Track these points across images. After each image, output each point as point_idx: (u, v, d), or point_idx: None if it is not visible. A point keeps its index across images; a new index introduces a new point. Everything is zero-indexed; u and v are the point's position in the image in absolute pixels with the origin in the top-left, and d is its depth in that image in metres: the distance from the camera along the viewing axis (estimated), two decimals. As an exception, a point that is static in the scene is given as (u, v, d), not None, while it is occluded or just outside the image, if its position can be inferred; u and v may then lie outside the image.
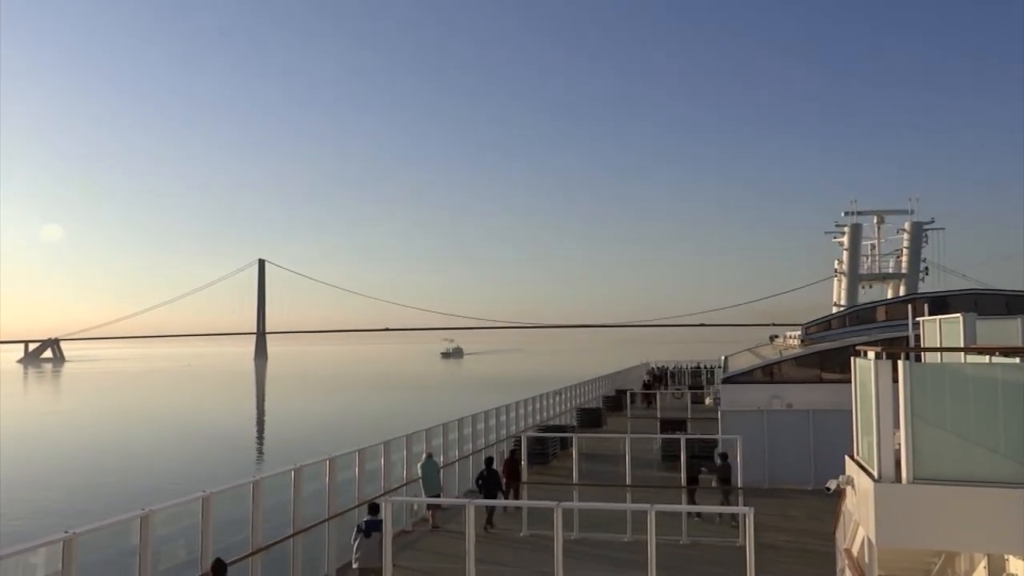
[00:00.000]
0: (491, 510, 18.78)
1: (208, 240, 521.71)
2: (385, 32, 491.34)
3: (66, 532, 9.27)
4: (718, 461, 20.15)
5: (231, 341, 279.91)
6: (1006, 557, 8.97)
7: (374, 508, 13.85)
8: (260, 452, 53.62)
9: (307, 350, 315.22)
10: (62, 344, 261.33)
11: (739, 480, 18.09)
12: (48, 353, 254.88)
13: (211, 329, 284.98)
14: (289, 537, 14.04)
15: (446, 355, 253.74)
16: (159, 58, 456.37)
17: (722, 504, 19.03)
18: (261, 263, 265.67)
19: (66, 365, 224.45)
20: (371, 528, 13.36)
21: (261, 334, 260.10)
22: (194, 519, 11.83)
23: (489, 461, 20.96)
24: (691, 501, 19.00)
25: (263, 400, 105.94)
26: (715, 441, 24.50)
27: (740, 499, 17.38)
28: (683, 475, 19.05)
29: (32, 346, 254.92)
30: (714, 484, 19.87)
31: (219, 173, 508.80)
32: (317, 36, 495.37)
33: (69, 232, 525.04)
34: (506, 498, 20.01)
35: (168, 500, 11.70)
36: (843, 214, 63.00)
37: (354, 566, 13.49)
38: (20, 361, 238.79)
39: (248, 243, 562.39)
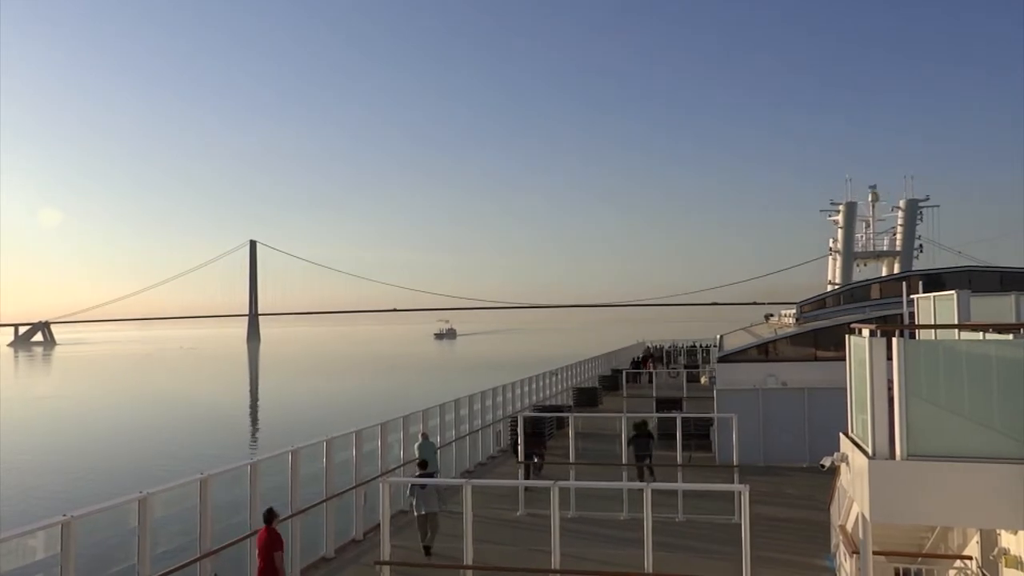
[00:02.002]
0: (531, 464, 21.06)
1: (200, 222, 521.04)
2: (389, 7, 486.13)
3: (64, 515, 9.28)
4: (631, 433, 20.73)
5: (223, 323, 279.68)
6: (998, 532, 9.07)
7: (423, 464, 16.68)
8: (256, 434, 53.72)
9: (299, 331, 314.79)
10: (52, 327, 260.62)
11: (735, 458, 18.19)
12: (39, 336, 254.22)
13: (203, 311, 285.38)
14: (288, 518, 14.07)
15: (439, 336, 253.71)
16: (157, 38, 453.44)
17: (640, 479, 19.55)
18: (252, 244, 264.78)
19: (57, 348, 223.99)
20: None
21: (254, 316, 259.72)
22: (192, 502, 11.85)
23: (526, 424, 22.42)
24: (641, 477, 19.95)
25: (257, 382, 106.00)
26: (711, 419, 24.68)
27: (736, 477, 17.48)
28: (679, 454, 19.16)
29: (22, 329, 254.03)
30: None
31: (210, 153, 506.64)
32: (317, 13, 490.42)
33: (60, 215, 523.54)
34: (538, 463, 21.80)
35: (166, 483, 11.71)
36: (838, 194, 63.03)
37: (414, 514, 15.51)
38: (10, 345, 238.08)
39: (240, 225, 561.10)
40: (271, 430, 52.96)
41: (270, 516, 11.99)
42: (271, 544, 11.64)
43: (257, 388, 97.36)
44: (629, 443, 20.18)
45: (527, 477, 20.77)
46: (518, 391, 31.38)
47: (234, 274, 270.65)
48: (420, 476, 15.92)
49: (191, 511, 11.82)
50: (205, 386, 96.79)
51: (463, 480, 13.80)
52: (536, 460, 21.90)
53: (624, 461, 19.67)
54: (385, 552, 11.69)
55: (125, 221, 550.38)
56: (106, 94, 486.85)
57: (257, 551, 11.82)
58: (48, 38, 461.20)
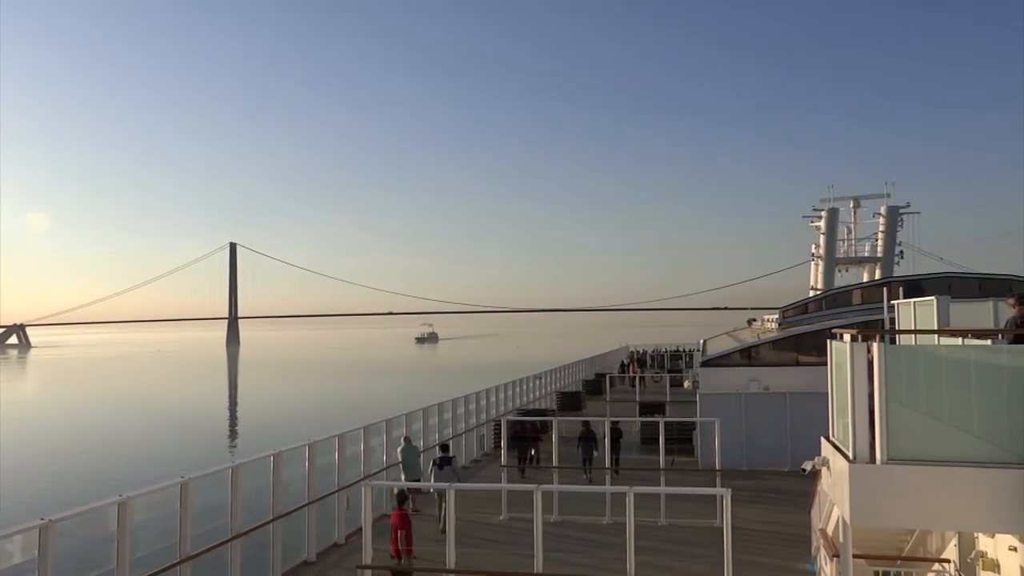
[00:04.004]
0: (525, 460, 23.27)
1: (184, 225, 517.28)
2: (378, 8, 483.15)
3: (42, 519, 9.18)
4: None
5: (203, 326, 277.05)
6: (976, 535, 9.17)
7: (444, 447, 18.74)
8: (238, 438, 53.34)
9: (279, 335, 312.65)
10: (28, 330, 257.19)
11: (717, 462, 18.26)
12: (13, 339, 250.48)
13: (182, 314, 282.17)
14: (269, 523, 14.01)
15: (420, 340, 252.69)
16: (141, 41, 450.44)
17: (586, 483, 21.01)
18: (232, 246, 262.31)
19: (32, 351, 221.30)
20: (444, 463, 17.74)
21: (233, 319, 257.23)
22: (172, 505, 11.74)
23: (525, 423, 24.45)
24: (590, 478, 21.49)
25: (237, 386, 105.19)
26: (693, 423, 24.77)
27: (718, 481, 17.55)
28: (661, 458, 19.21)
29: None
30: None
31: (195, 155, 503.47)
32: (304, 15, 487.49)
33: (41, 218, 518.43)
34: (534, 456, 23.96)
35: (146, 487, 11.61)
36: (820, 200, 63.67)
37: (432, 491, 17.46)
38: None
39: (224, 227, 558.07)
40: (252, 434, 52.60)
41: (402, 498, 13.78)
42: (399, 524, 13.41)
43: (236, 392, 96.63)
44: (577, 444, 21.61)
45: (523, 473, 22.35)
46: (501, 395, 31.36)
47: (214, 277, 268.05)
48: (442, 458, 17.89)
49: (171, 515, 11.71)
50: (183, 390, 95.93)
51: (446, 484, 13.77)
52: (532, 455, 23.85)
53: (608, 465, 19.78)
54: (367, 556, 11.63)
55: (105, 223, 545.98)
56: (88, 96, 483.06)
57: (391, 530, 13.63)
58: (32, 43, 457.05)
